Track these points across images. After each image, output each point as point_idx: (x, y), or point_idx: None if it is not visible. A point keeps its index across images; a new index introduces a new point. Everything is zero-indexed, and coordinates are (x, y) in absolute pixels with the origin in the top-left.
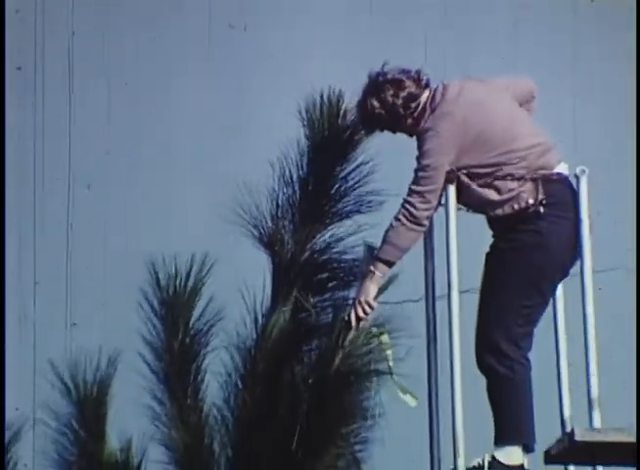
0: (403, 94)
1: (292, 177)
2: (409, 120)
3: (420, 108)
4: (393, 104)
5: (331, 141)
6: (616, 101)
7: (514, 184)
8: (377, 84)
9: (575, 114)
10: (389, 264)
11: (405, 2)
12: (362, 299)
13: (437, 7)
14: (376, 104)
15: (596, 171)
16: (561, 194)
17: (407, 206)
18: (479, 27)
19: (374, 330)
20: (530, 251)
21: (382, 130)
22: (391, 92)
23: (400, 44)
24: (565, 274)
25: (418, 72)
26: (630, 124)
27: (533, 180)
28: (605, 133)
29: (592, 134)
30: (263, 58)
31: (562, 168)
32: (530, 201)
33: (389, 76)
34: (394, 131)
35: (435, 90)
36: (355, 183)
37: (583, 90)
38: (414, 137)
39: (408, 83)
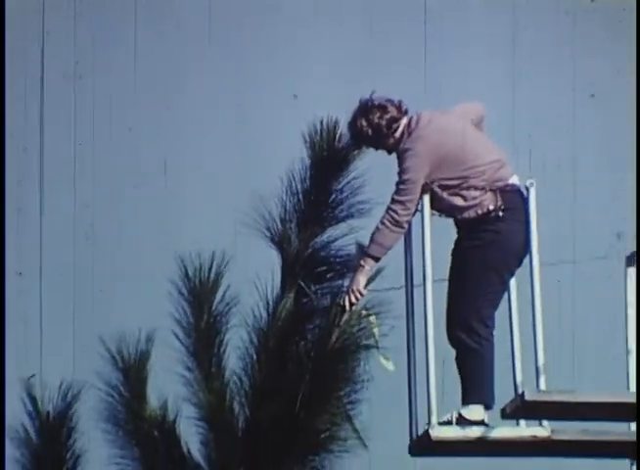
0: (387, 117)
1: (297, 189)
2: (391, 140)
3: (400, 130)
4: (379, 124)
5: (329, 160)
6: (616, 100)
7: (477, 193)
8: (366, 107)
9: (575, 113)
10: (376, 259)
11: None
12: (354, 287)
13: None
14: (364, 123)
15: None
16: (514, 201)
17: (391, 212)
18: (478, 29)
19: (363, 312)
20: (492, 246)
21: (367, 147)
22: (378, 115)
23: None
24: (519, 264)
25: (399, 102)
26: (631, 122)
27: (492, 190)
28: (605, 129)
29: (592, 132)
30: (275, 85)
31: (514, 180)
32: (491, 207)
33: (376, 102)
34: (377, 148)
35: (412, 118)
36: (348, 194)
37: (584, 90)
38: (393, 155)
39: (391, 109)
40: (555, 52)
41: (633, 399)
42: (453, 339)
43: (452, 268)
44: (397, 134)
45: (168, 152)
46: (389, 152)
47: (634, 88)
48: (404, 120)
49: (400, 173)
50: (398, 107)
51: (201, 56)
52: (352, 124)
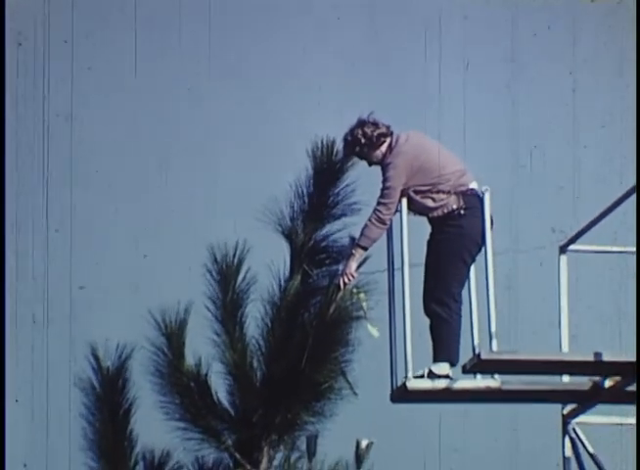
0: (378, 132)
1: (302, 193)
2: (377, 152)
3: (385, 145)
4: (371, 136)
5: (327, 170)
6: (616, 99)
7: (443, 196)
8: (363, 122)
9: (575, 113)
10: (365, 249)
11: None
12: (347, 271)
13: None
14: (361, 133)
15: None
16: (473, 202)
17: (376, 212)
18: (478, 31)
19: (354, 290)
20: (457, 238)
21: (357, 156)
22: (372, 129)
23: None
24: (478, 251)
25: (388, 125)
26: (632, 116)
27: (456, 193)
28: (605, 121)
29: (592, 130)
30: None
31: (474, 185)
32: (454, 207)
33: (372, 120)
34: (365, 158)
35: (394, 137)
36: (343, 197)
37: (583, 89)
38: (377, 169)
39: (382, 127)
40: (555, 51)
41: (563, 357)
42: (429, 311)
43: (427, 256)
44: (383, 148)
45: (201, 165)
46: (373, 163)
47: (634, 88)
48: (389, 139)
49: (383, 182)
50: (387, 127)
51: (211, 76)
52: (350, 134)
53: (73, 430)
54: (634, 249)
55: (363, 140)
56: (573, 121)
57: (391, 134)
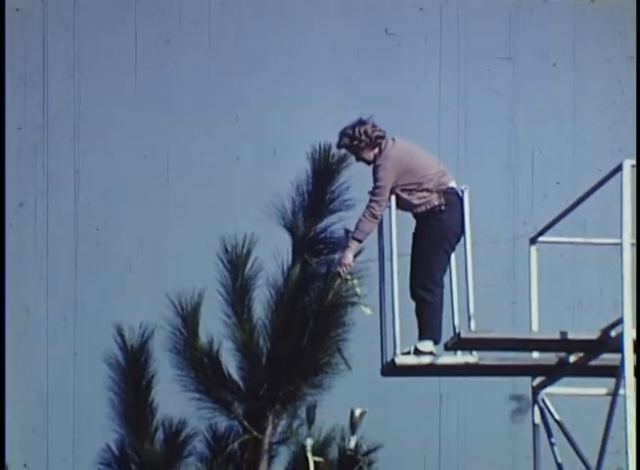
0: (376, 133)
1: (303, 190)
2: (371, 152)
3: (378, 147)
4: (370, 135)
5: (325, 170)
6: (616, 98)
7: (427, 194)
8: (364, 122)
9: (575, 113)
10: (359, 241)
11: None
12: (344, 261)
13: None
14: (361, 131)
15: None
16: (453, 199)
17: (369, 208)
18: (477, 31)
19: (349, 277)
20: (439, 230)
21: (352, 153)
22: (371, 129)
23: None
24: (458, 242)
25: (383, 130)
26: (632, 116)
27: (437, 192)
28: (604, 117)
29: (592, 128)
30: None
31: (453, 184)
32: (436, 203)
33: (371, 121)
34: (357, 153)
35: (383, 141)
36: (338, 194)
37: (584, 89)
38: (368, 169)
39: (379, 129)
40: (555, 51)
41: (533, 336)
42: (415, 295)
43: (413, 247)
44: (376, 150)
45: (214, 166)
46: (361, 159)
47: (634, 88)
48: (383, 143)
49: (375, 182)
50: (383, 131)
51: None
52: (352, 129)
53: (103, 401)
54: (598, 240)
55: (363, 137)
56: (574, 121)
57: (384, 138)
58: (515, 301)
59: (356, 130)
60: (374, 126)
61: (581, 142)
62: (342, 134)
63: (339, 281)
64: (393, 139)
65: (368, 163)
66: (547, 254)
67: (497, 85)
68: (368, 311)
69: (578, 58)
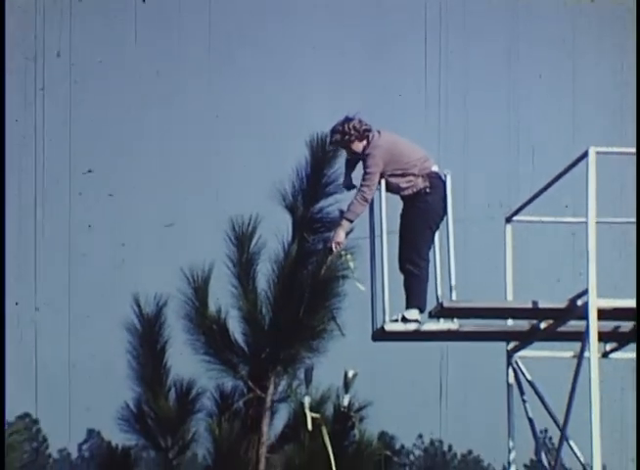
0: (364, 127)
1: (302, 175)
2: (360, 144)
3: (366, 140)
4: (358, 129)
5: (322, 157)
6: (615, 98)
7: (413, 178)
8: (352, 119)
9: (575, 113)
10: (351, 221)
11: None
12: (337, 239)
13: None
14: (351, 126)
15: None
16: (436, 183)
17: (361, 192)
18: (478, 31)
19: (342, 253)
20: (424, 211)
21: (342, 146)
22: (359, 124)
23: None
24: (441, 221)
25: (369, 124)
26: (632, 115)
27: (422, 176)
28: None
29: (593, 127)
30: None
31: (435, 168)
32: (422, 186)
33: (359, 118)
34: (348, 146)
35: (371, 134)
36: (334, 179)
37: (584, 89)
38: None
39: (366, 123)
40: (555, 51)
41: (508, 305)
42: (403, 269)
43: (401, 225)
44: (365, 142)
45: (223, 154)
46: (352, 152)
47: (634, 87)
48: (370, 135)
49: (365, 169)
50: (370, 125)
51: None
52: (341, 126)
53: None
54: (566, 219)
55: (353, 132)
56: (573, 120)
57: (371, 131)
58: (493, 273)
59: (345, 126)
60: (360, 121)
61: (580, 142)
62: (333, 132)
63: (332, 256)
64: (379, 131)
65: (358, 154)
66: (523, 232)
67: (497, 85)
68: (362, 288)
69: (578, 57)
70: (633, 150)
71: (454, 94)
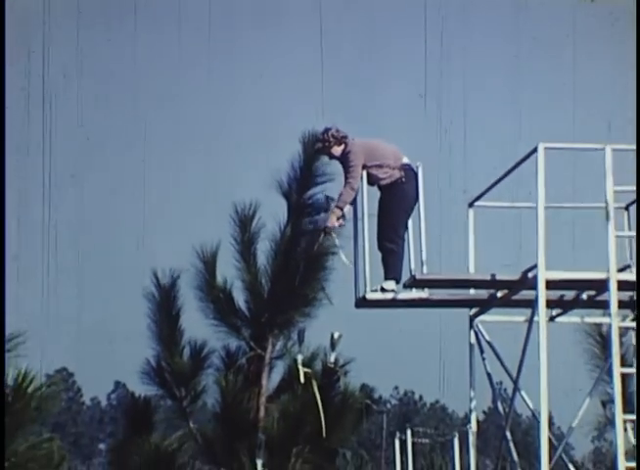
0: (341, 135)
1: (296, 166)
2: (339, 148)
3: (344, 144)
4: (336, 136)
5: (312, 153)
6: (616, 98)
7: (389, 170)
8: (330, 129)
9: (576, 113)
10: (341, 209)
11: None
12: (329, 224)
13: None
14: (329, 134)
15: None
16: (410, 174)
17: (348, 183)
18: (479, 31)
19: (334, 235)
20: (401, 198)
21: (323, 153)
22: (336, 132)
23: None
24: (414, 205)
25: (346, 134)
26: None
27: (398, 168)
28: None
29: (594, 126)
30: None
31: (406, 160)
32: (398, 176)
33: (336, 128)
34: (329, 152)
35: (347, 139)
36: (323, 170)
37: (584, 89)
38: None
39: (342, 131)
40: (555, 51)
41: (470, 277)
42: (382, 246)
43: (379, 210)
44: (343, 146)
45: (225, 147)
46: (333, 157)
47: (634, 87)
48: (347, 139)
49: (349, 163)
50: (345, 133)
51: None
52: (322, 135)
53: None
54: (519, 204)
55: (331, 139)
56: (574, 119)
57: (347, 138)
58: (458, 251)
59: (325, 135)
60: (338, 130)
61: (580, 140)
62: (316, 141)
63: (322, 236)
64: (353, 138)
65: (338, 158)
66: (483, 215)
67: (497, 85)
68: (347, 262)
69: (578, 57)
70: (579, 145)
71: (454, 95)
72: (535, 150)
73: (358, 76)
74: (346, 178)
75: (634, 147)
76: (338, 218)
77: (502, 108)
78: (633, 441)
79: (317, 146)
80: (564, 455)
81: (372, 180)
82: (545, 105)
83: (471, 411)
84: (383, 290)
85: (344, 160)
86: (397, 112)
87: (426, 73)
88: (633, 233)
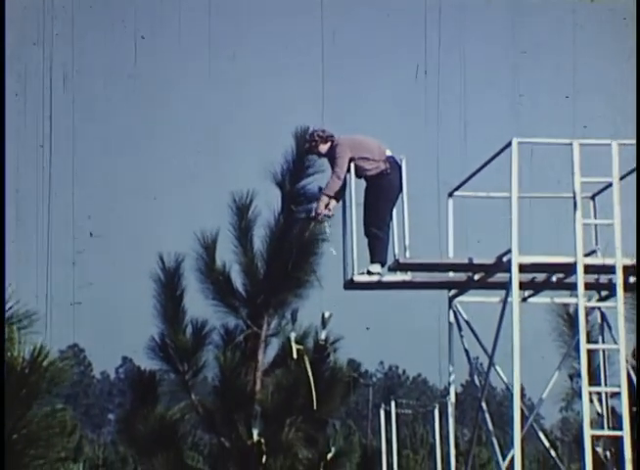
0: (326, 133)
1: (289, 159)
2: (325, 146)
3: (330, 142)
4: (322, 135)
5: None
6: (616, 98)
7: (374, 162)
8: (316, 130)
9: (576, 113)
10: (329, 196)
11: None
12: (319, 211)
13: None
14: (315, 134)
15: None
16: (394, 166)
17: (335, 173)
18: (479, 31)
19: (325, 223)
20: (386, 188)
21: (312, 152)
22: (321, 132)
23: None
24: (399, 195)
25: (331, 133)
26: (632, 113)
27: (382, 160)
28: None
29: (592, 126)
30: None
31: (389, 153)
32: (383, 168)
33: (322, 129)
34: (318, 151)
35: (332, 137)
36: (314, 162)
37: (584, 89)
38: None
39: (327, 131)
40: (555, 51)
41: (450, 261)
42: (368, 232)
43: (366, 199)
44: (329, 144)
45: (223, 142)
46: (321, 155)
47: (635, 87)
48: (333, 137)
49: (336, 155)
50: (332, 133)
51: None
52: (310, 136)
53: (149, 306)
54: (494, 194)
55: (317, 138)
56: (574, 119)
57: (333, 137)
58: (438, 237)
59: (312, 136)
60: (323, 130)
61: (580, 138)
62: (304, 142)
63: (312, 224)
64: (339, 136)
65: (326, 156)
66: (462, 204)
67: (498, 85)
68: (334, 252)
69: (578, 57)
70: (549, 140)
71: (450, 94)
72: (509, 144)
73: (357, 76)
74: (333, 169)
75: (600, 141)
76: (326, 206)
77: (502, 107)
78: (599, 410)
79: (305, 146)
80: (534, 424)
81: (359, 172)
82: (545, 104)
83: (450, 384)
84: (369, 273)
85: (332, 153)
86: (386, 107)
87: (425, 53)
88: (598, 221)
